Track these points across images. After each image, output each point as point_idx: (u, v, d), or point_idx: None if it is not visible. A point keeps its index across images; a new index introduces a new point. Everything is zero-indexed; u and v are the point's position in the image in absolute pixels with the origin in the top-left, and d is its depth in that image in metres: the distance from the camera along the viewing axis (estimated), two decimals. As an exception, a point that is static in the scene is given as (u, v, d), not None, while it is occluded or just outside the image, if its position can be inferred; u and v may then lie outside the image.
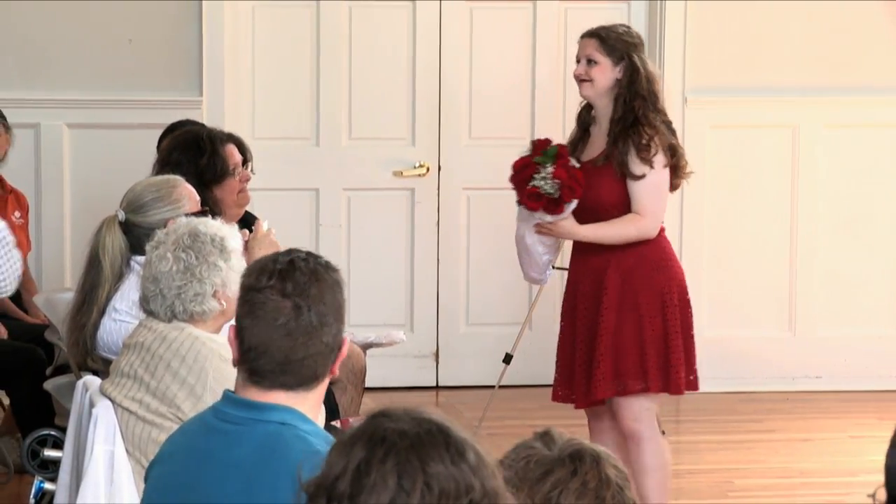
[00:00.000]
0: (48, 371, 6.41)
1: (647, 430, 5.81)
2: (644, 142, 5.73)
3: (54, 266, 8.15)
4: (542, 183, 5.72)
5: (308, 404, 3.19)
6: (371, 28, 8.61)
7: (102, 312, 5.12)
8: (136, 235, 5.16)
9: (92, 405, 4.38)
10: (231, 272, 4.31)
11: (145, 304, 4.45)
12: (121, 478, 4.24)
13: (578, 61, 5.97)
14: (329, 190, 8.63)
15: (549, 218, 5.82)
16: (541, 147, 5.86)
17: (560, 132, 8.63)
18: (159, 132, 6.93)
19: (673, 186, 5.93)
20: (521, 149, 8.61)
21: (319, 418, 3.31)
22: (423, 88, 8.64)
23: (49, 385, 6.18)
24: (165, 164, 6.10)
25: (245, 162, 6.33)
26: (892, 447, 2.32)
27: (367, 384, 6.10)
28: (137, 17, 8.19)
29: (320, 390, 3.22)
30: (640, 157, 5.72)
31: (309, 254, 3.23)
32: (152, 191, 5.29)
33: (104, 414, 4.29)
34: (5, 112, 7.24)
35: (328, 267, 3.22)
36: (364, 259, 8.59)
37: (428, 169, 8.67)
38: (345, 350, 3.22)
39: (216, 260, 4.34)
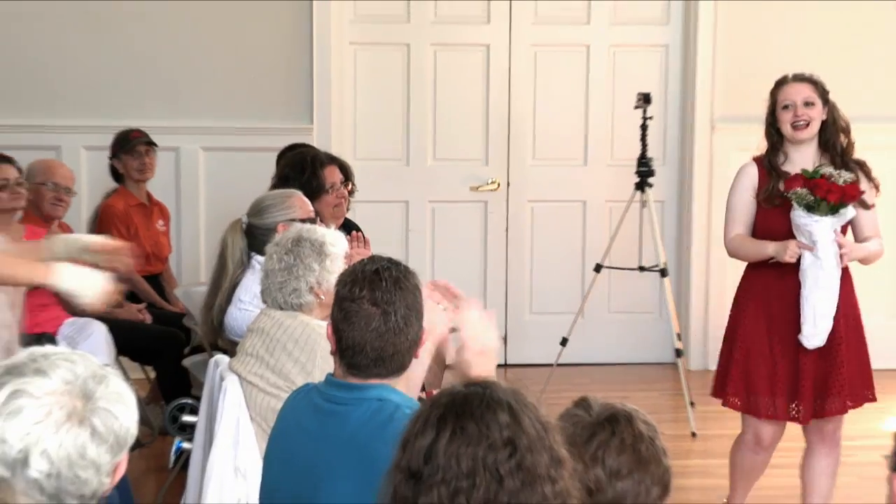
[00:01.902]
0: (186, 350, 6.45)
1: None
2: (874, 175, 5.24)
3: (191, 265, 8.20)
4: (844, 178, 5.01)
5: (401, 384, 3.21)
6: (452, 67, 8.62)
7: (228, 302, 5.18)
8: (255, 236, 5.24)
9: (222, 379, 4.40)
10: (325, 272, 4.37)
11: (264, 296, 4.51)
12: (246, 439, 4.25)
13: (785, 107, 5.24)
14: (417, 202, 8.65)
15: (850, 213, 5.06)
16: (798, 178, 5.09)
17: (608, 155, 8.66)
18: (276, 154, 7.00)
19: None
20: (576, 166, 8.66)
21: (411, 391, 3.31)
22: (494, 117, 8.63)
23: (187, 362, 6.21)
24: (280, 180, 6.21)
25: (347, 180, 6.38)
26: None
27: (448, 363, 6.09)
28: (260, 57, 8.22)
29: (408, 372, 3.23)
30: (874, 188, 5.24)
31: (390, 261, 3.23)
32: (270, 199, 5.38)
33: (232, 387, 4.31)
34: (153, 137, 7.29)
35: (407, 273, 3.21)
36: (446, 259, 8.62)
37: (499, 185, 8.67)
38: (424, 338, 3.22)
39: (312, 262, 4.39)
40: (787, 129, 5.21)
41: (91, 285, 4.16)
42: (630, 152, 7.90)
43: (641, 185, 7.71)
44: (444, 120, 8.64)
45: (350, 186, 6.41)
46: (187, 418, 5.45)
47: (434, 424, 2.16)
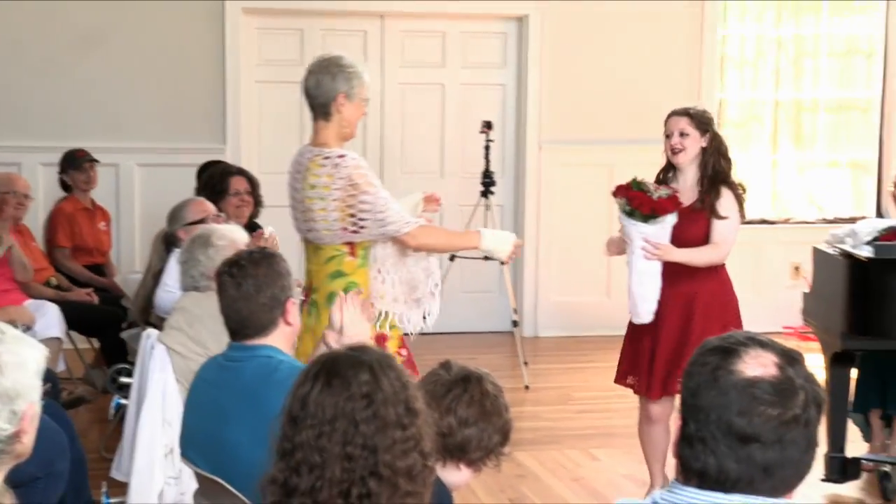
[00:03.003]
0: (124, 325, 6.34)
1: None
2: (739, 192, 4.90)
3: (128, 258, 8.03)
4: (660, 193, 4.74)
5: (278, 342, 3.19)
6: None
7: (155, 287, 5.14)
8: (173, 235, 5.32)
9: (152, 348, 4.34)
10: (210, 261, 4.30)
11: (180, 282, 4.51)
12: (171, 396, 4.19)
13: (667, 136, 4.92)
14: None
15: (670, 219, 4.74)
16: (623, 186, 4.81)
17: (460, 168, 8.64)
18: (197, 168, 6.90)
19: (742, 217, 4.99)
20: (434, 177, 8.65)
21: (290, 351, 3.30)
22: (371, 138, 8.61)
23: (125, 335, 6.10)
24: (200, 188, 6.22)
25: (253, 191, 6.30)
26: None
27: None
28: (185, 91, 8.11)
29: (283, 333, 3.20)
30: (737, 202, 4.90)
31: (262, 250, 3.27)
32: (175, 211, 5.46)
33: (160, 354, 4.25)
34: (95, 155, 7.15)
35: (272, 258, 3.22)
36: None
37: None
38: (289, 304, 3.19)
39: (198, 255, 4.37)
40: (667, 154, 4.94)
41: (504, 246, 4.36)
42: (477, 167, 7.90)
43: (486, 193, 7.73)
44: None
45: (255, 196, 6.33)
46: (124, 380, 5.34)
47: (311, 378, 2.13)
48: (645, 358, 4.95)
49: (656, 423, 5.02)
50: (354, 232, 4.21)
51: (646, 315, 4.85)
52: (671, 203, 4.73)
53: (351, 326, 3.02)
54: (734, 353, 1.88)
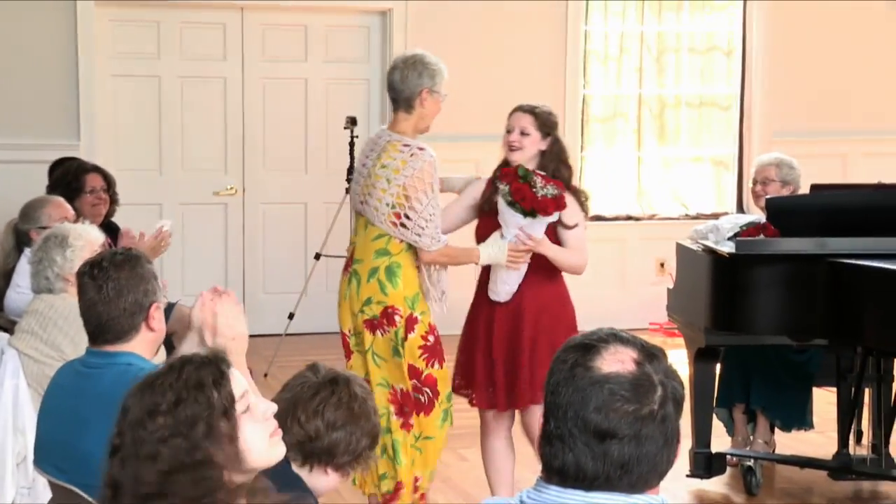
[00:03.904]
0: (-27, 330, 6.14)
1: None
2: (583, 200, 4.78)
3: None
4: (545, 192, 4.58)
5: (140, 349, 3.11)
6: (196, 95, 8.45)
7: (6, 288, 5.01)
8: (25, 233, 5.20)
9: (3, 352, 4.22)
10: (67, 261, 4.23)
11: (31, 284, 4.38)
12: (24, 402, 4.10)
13: (509, 132, 4.78)
14: (169, 205, 8.45)
15: (551, 217, 4.62)
16: (511, 172, 4.65)
17: (324, 165, 8.61)
18: (47, 166, 6.73)
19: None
20: (299, 174, 8.60)
21: (155, 358, 3.22)
22: (232, 135, 8.54)
23: (-27, 339, 5.92)
24: (52, 185, 6.07)
25: (109, 188, 6.17)
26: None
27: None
28: (36, 86, 7.94)
29: (145, 339, 3.13)
30: (581, 210, 4.77)
31: (126, 251, 3.17)
32: (29, 207, 5.32)
33: (11, 359, 4.15)
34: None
35: (135, 260, 3.13)
36: (194, 252, 8.45)
37: (236, 190, 8.55)
38: (153, 309, 3.12)
39: (55, 255, 4.26)
40: (504, 149, 4.78)
41: (499, 254, 4.62)
42: (342, 163, 7.86)
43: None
44: (190, 137, 8.48)
45: (111, 193, 6.20)
46: (-26, 387, 5.17)
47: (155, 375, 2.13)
48: (479, 371, 4.81)
49: (491, 435, 4.89)
50: (395, 225, 4.58)
51: (504, 295, 4.76)
52: (553, 204, 4.59)
53: (226, 328, 2.96)
54: (593, 349, 1.90)
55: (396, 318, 4.65)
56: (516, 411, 4.85)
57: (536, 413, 4.59)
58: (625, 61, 9.11)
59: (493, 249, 4.67)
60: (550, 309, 4.79)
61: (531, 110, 4.80)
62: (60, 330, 4.09)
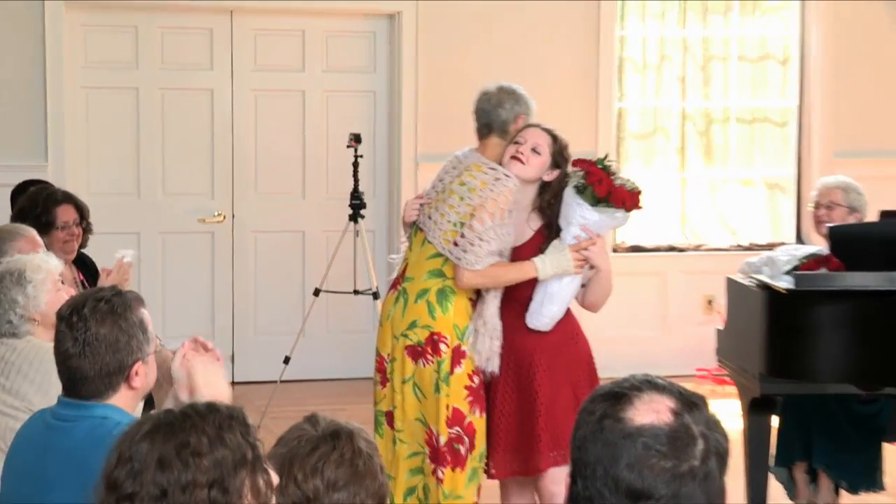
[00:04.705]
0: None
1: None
2: None
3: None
4: (625, 184, 4.62)
5: (120, 403, 3.12)
6: (179, 109, 8.49)
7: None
8: None
9: (-39, 406, 4.21)
10: (30, 299, 4.23)
11: None
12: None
13: (517, 143, 4.81)
14: (148, 233, 8.47)
15: (622, 217, 4.67)
16: (588, 161, 4.70)
17: (324, 189, 8.63)
18: (11, 189, 6.74)
19: None
20: (295, 199, 8.62)
21: (137, 411, 3.23)
22: (219, 155, 8.55)
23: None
24: (16, 215, 6.08)
25: (82, 219, 6.16)
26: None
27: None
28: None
29: (125, 396, 3.14)
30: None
31: (113, 293, 3.15)
32: (1, 237, 5.22)
33: (-29, 413, 4.13)
34: None
35: (123, 306, 3.12)
36: (176, 287, 8.46)
37: (224, 217, 8.56)
38: (136, 368, 3.12)
39: (15, 294, 4.23)
40: (505, 158, 4.80)
41: (562, 260, 4.65)
42: (344, 187, 7.88)
43: (355, 216, 7.71)
44: (172, 157, 8.51)
45: (85, 225, 6.19)
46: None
47: (140, 435, 2.18)
48: (493, 432, 4.74)
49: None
50: (448, 243, 4.74)
51: (549, 319, 4.68)
52: (630, 199, 4.63)
53: (205, 387, 2.94)
54: (625, 398, 1.89)
55: (442, 346, 4.69)
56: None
57: (558, 476, 4.56)
58: (665, 70, 9.12)
59: (555, 256, 4.68)
60: (564, 348, 4.76)
61: (550, 132, 4.87)
62: (26, 377, 4.08)
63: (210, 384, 2.86)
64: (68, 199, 6.18)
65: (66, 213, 6.03)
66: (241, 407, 2.28)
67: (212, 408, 2.20)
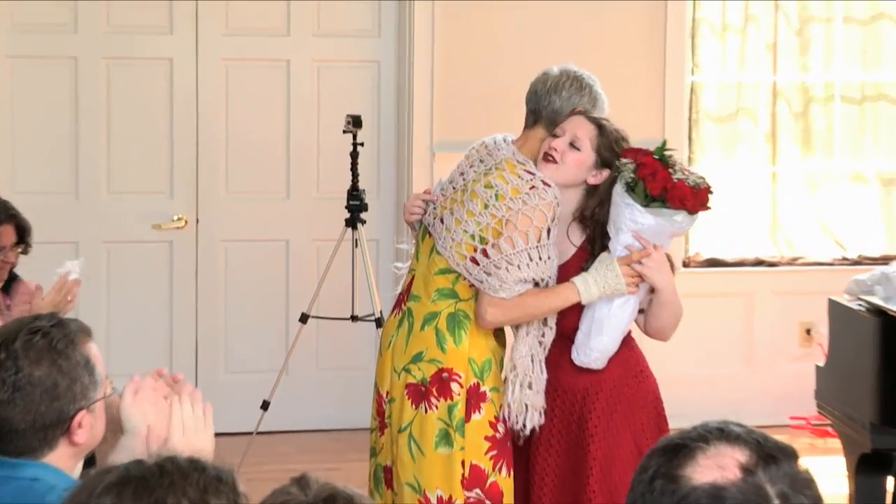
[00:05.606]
0: None
1: None
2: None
3: None
4: (684, 176, 4.59)
5: (58, 461, 3.12)
6: (129, 83, 8.52)
7: None
8: None
9: None
10: None
11: None
12: None
13: (554, 134, 4.88)
14: (89, 242, 8.47)
15: (684, 220, 4.66)
16: (642, 150, 4.69)
17: (314, 187, 8.64)
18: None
19: None
20: (277, 200, 8.63)
21: (76, 469, 3.22)
22: (180, 144, 8.55)
23: None
24: None
25: (21, 241, 6.16)
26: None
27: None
28: None
29: (65, 453, 3.14)
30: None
31: (52, 323, 3.12)
32: None
33: None
34: None
35: (55, 342, 3.10)
36: (125, 309, 8.47)
37: (186, 222, 8.58)
38: (80, 419, 3.11)
39: None
40: (539, 156, 4.85)
41: (610, 278, 4.63)
42: (339, 184, 7.91)
43: (353, 222, 7.70)
44: (120, 147, 8.53)
45: (23, 248, 6.20)
46: None
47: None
48: (534, 491, 4.76)
49: None
50: (464, 258, 4.75)
51: (595, 354, 4.68)
52: (693, 198, 4.57)
53: (180, 441, 2.96)
54: (684, 451, 1.91)
55: (454, 386, 4.68)
56: None
57: None
58: (751, 35, 9.13)
59: (601, 273, 4.63)
60: (625, 389, 4.75)
61: (597, 121, 4.87)
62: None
63: (190, 430, 2.85)
64: (10, 217, 6.11)
65: (4, 236, 5.97)
66: (231, 467, 2.29)
67: (196, 465, 2.21)
